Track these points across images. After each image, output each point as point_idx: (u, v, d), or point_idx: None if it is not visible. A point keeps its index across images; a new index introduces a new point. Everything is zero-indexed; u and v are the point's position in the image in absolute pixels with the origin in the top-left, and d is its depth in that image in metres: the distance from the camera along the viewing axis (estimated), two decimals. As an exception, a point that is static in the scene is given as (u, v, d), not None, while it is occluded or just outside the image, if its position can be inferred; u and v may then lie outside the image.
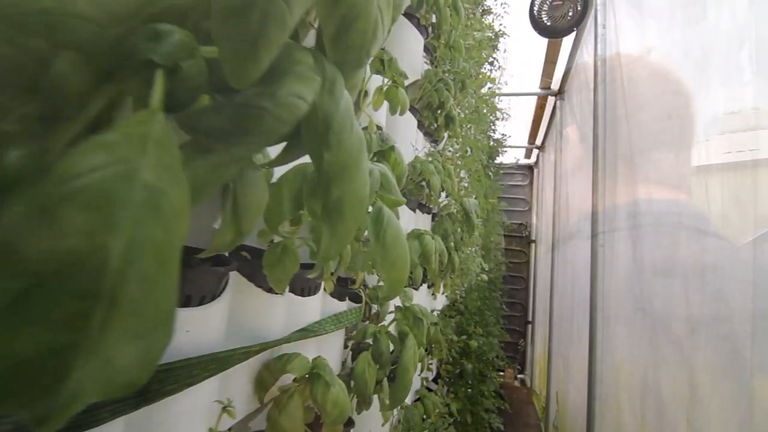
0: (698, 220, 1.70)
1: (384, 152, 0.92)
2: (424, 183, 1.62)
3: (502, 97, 4.36)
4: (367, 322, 1.06)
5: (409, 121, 1.48)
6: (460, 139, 2.30)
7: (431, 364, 2.02)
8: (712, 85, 1.72)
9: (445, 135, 2.07)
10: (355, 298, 1.10)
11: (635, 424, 2.16)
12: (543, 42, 4.06)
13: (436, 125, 1.87)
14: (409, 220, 1.58)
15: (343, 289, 0.99)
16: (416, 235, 1.51)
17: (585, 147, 3.78)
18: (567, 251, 4.44)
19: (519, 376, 5.90)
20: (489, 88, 3.70)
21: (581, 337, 3.50)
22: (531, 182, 6.21)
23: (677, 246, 1.79)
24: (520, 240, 6.26)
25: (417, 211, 1.71)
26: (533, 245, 6.13)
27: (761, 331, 1.25)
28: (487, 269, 2.91)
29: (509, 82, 3.77)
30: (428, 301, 2.04)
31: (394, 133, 1.43)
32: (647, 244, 2.13)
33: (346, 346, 1.03)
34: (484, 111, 3.45)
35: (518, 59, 4.39)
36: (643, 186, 2.26)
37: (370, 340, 0.98)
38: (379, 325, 1.04)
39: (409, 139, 1.47)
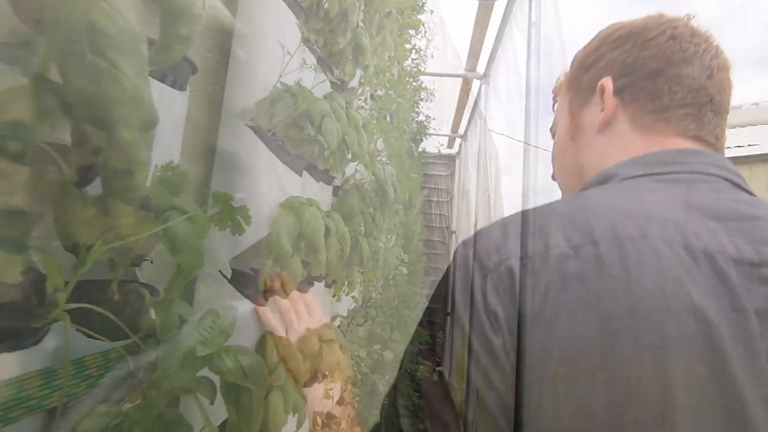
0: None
1: None
2: (313, 131, 0.99)
3: (426, 76, 3.84)
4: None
5: (281, 12, 0.84)
6: (380, 95, 1.70)
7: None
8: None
9: (355, 80, 1.46)
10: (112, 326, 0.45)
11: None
12: (469, 21, 3.60)
13: (339, 57, 1.25)
14: (289, 184, 0.95)
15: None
16: (293, 205, 0.88)
17: (513, 132, 3.37)
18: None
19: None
20: (414, 60, 3.15)
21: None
22: (453, 173, 5.83)
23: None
24: (441, 231, 5.89)
25: (305, 174, 1.08)
26: (454, 236, 5.78)
27: None
28: (407, 261, 2.37)
29: (435, 55, 3.24)
30: (327, 304, 1.43)
31: (250, 16, 0.79)
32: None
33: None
34: (410, 82, 2.90)
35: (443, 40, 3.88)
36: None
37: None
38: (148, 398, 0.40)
39: (273, 35, 0.83)
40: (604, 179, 0.49)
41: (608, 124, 0.53)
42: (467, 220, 5.05)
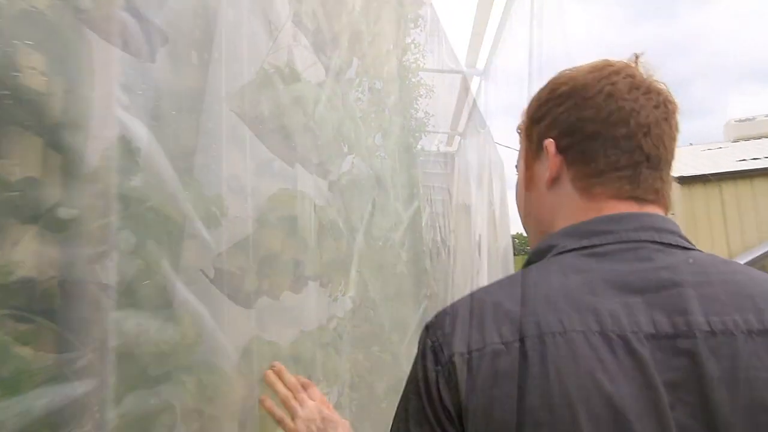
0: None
1: None
2: (305, 118, 0.91)
3: (425, 72, 3.77)
4: None
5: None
6: (378, 87, 1.62)
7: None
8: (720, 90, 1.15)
9: (352, 71, 1.38)
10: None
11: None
12: (468, 18, 3.52)
13: (334, 43, 1.17)
14: (279, 176, 0.87)
15: None
16: (283, 199, 0.80)
17: (514, 136, 3.30)
18: (491, 243, 4.00)
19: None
20: (414, 54, 3.08)
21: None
22: (452, 171, 5.76)
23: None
24: (439, 230, 5.83)
25: (298, 166, 1.01)
26: (452, 235, 5.71)
27: None
28: (406, 260, 2.29)
29: (434, 51, 3.16)
30: (324, 305, 1.35)
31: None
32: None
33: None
34: (410, 78, 2.82)
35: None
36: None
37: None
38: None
39: (262, 13, 0.75)
40: (544, 251, 0.52)
41: (554, 181, 0.55)
42: (467, 219, 4.98)
